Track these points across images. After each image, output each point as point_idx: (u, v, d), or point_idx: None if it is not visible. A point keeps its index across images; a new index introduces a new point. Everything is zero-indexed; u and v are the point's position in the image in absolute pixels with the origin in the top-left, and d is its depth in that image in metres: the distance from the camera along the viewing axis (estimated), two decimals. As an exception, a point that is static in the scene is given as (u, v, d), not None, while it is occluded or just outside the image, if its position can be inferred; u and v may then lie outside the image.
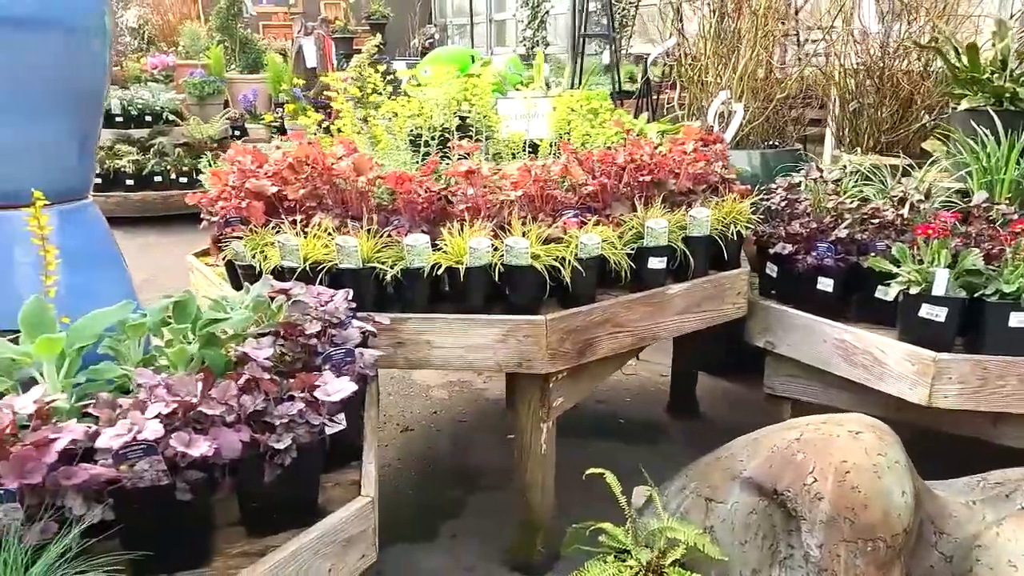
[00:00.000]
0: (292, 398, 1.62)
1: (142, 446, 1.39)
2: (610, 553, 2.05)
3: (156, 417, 1.41)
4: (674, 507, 2.17)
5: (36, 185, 1.95)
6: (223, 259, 2.55)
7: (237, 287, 2.55)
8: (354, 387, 1.59)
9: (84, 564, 1.25)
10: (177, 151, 8.02)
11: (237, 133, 8.77)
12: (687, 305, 2.55)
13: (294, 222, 2.44)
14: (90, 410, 1.44)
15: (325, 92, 8.37)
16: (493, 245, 2.25)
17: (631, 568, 1.96)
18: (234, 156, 2.79)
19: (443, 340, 2.29)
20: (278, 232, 2.41)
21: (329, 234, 2.31)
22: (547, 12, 13.17)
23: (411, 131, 2.78)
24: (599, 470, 2.14)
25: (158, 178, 7.79)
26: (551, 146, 2.85)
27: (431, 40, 16.32)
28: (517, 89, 3.43)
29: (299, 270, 2.29)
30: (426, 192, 2.40)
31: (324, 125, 2.76)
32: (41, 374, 1.62)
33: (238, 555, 1.57)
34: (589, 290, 2.36)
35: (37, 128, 1.94)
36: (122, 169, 7.65)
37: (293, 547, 1.55)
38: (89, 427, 1.39)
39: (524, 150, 2.84)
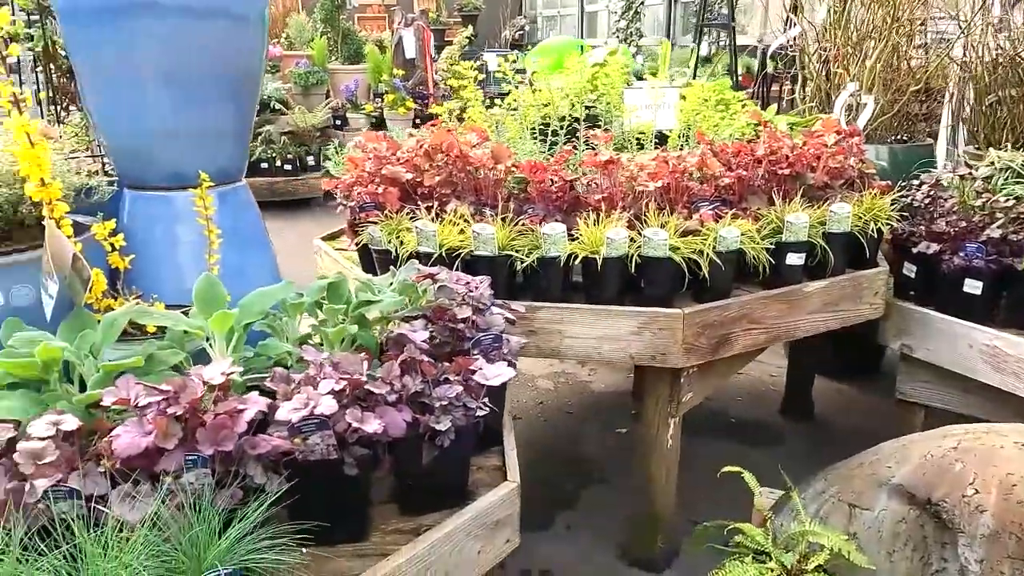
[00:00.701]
0: (447, 381, 1.64)
1: (316, 420, 1.44)
2: (747, 554, 2.00)
3: (329, 393, 1.45)
4: (812, 511, 2.10)
5: (199, 168, 2.04)
6: (357, 244, 2.61)
7: (369, 271, 2.61)
8: (513, 372, 1.60)
9: (268, 532, 1.30)
10: (283, 139, 8.30)
11: (338, 122, 9.01)
12: (824, 304, 2.47)
13: (428, 208, 2.48)
14: (268, 384, 1.50)
15: (446, 81, 8.51)
16: (630, 236, 2.22)
17: (772, 571, 1.91)
18: (366, 143, 2.85)
19: (576, 330, 2.28)
20: (412, 218, 2.45)
21: (465, 221, 2.33)
22: (642, 2, 12.99)
23: (535, 121, 2.78)
24: (735, 468, 2.10)
25: (264, 165, 8.07)
26: (680, 137, 2.80)
27: (521, 32, 16.35)
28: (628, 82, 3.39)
29: (435, 256, 2.33)
30: (560, 181, 2.40)
31: (456, 115, 2.78)
32: (212, 347, 1.69)
33: (392, 532, 1.60)
34: (725, 285, 2.31)
35: (203, 112, 2.03)
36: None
37: (449, 527, 1.58)
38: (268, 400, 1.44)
39: (651, 141, 2.80)
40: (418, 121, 7.97)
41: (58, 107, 2.23)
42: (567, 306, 2.26)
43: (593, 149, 2.72)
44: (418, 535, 1.58)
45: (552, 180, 2.39)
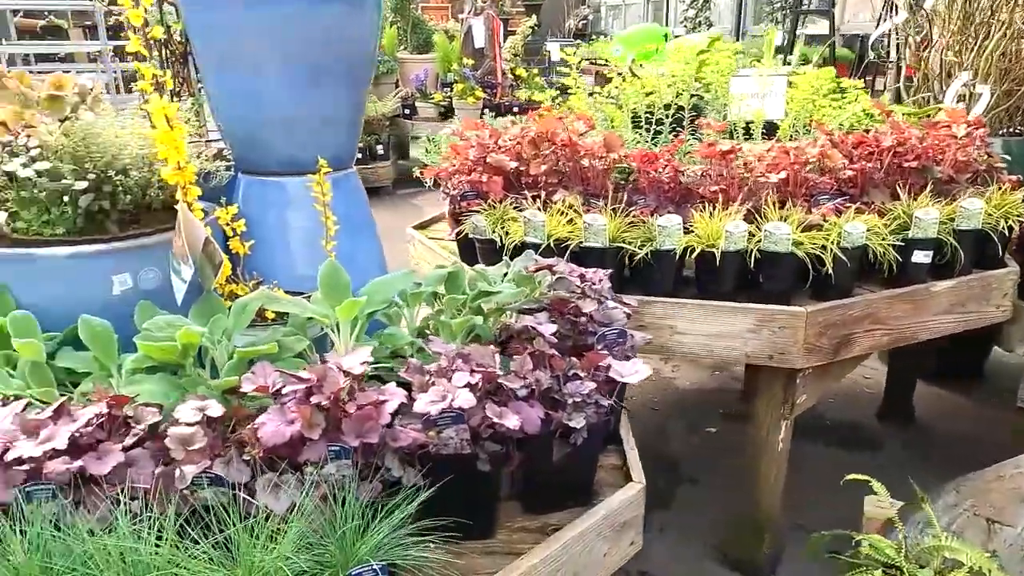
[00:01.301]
0: (577, 377, 1.59)
1: (452, 414, 1.40)
2: (875, 567, 1.90)
3: (466, 386, 1.41)
4: (943, 524, 1.99)
5: (314, 154, 2.02)
6: (457, 233, 2.58)
7: (469, 261, 2.58)
8: (648, 371, 1.54)
9: (410, 527, 1.27)
10: (353, 128, 8.34)
11: (407, 111, 9.03)
12: (950, 305, 2.33)
13: (533, 198, 2.42)
14: (402, 375, 1.46)
15: (513, 70, 8.45)
16: (748, 230, 2.13)
17: (905, 586, 1.81)
18: (463, 131, 2.81)
19: (688, 327, 2.20)
20: (517, 207, 2.40)
21: (575, 211, 2.27)
22: (712, -9, 12.71)
23: (640, 109, 2.70)
24: (862, 477, 2.00)
25: None
26: (791, 127, 2.69)
27: (585, 21, 16.16)
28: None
29: (543, 247, 2.27)
30: (672, 171, 2.32)
31: (556, 100, 2.72)
32: (336, 335, 1.67)
33: (518, 530, 1.56)
34: (848, 282, 2.20)
35: (320, 98, 2.01)
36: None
37: (581, 527, 1.53)
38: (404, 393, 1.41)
39: (760, 130, 2.69)
40: (486, 110, 7.92)
41: (171, 92, 2.24)
42: (681, 301, 2.18)
43: (698, 139, 2.62)
44: (545, 534, 1.53)
45: (662, 171, 2.31)
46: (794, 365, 2.15)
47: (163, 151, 1.54)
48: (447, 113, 8.76)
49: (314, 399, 1.30)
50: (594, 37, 14.28)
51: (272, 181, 2.09)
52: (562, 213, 2.30)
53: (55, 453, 1.19)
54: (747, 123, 2.75)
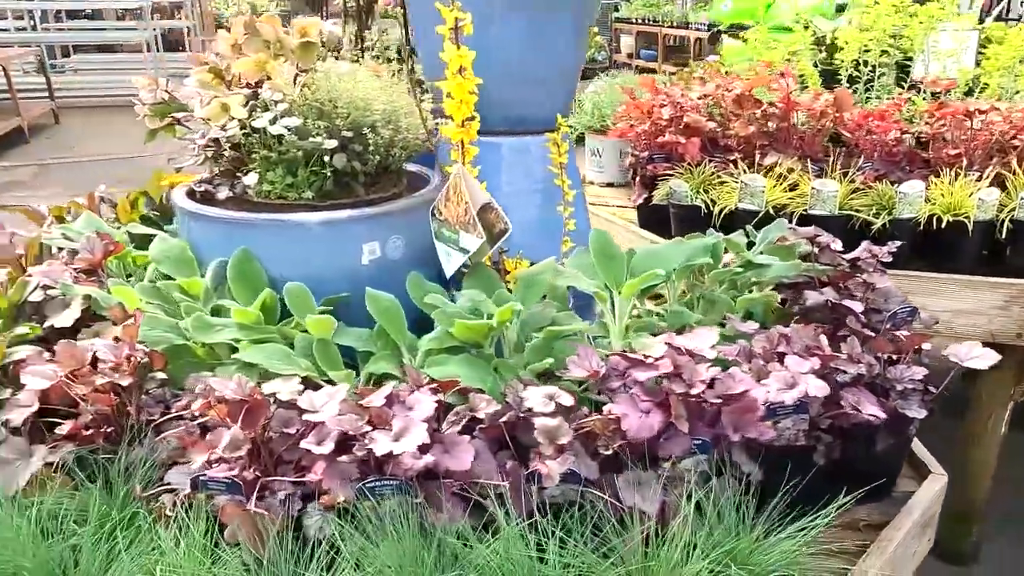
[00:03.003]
0: (892, 361, 1.44)
1: (795, 403, 1.26)
2: None
3: (809, 372, 1.27)
4: None
5: (535, 112, 1.86)
6: (645, 199, 2.42)
7: (657, 231, 2.42)
8: (997, 355, 1.38)
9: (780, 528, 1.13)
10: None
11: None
12: None
13: (731, 162, 2.25)
14: (734, 357, 1.32)
15: None
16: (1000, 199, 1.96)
17: None
18: (633, 90, 2.63)
19: (924, 301, 2.04)
20: (720, 171, 2.23)
21: (799, 175, 2.10)
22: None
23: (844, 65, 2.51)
24: None
25: None
26: (999, 87, 2.49)
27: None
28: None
29: (760, 214, 2.11)
30: (898, 133, 2.14)
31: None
32: (612, 310, 1.52)
33: (836, 526, 1.43)
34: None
35: (548, 51, 1.84)
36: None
37: (904, 527, 1.39)
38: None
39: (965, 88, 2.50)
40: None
41: (362, 49, 2.07)
42: (922, 275, 2.02)
43: (906, 98, 2.43)
44: (856, 529, 1.41)
45: (885, 132, 2.12)
46: (1047, 345, 1.99)
47: (451, 105, 1.38)
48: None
49: (676, 388, 1.15)
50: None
51: (489, 142, 1.92)
52: (779, 178, 2.13)
53: (422, 448, 1.06)
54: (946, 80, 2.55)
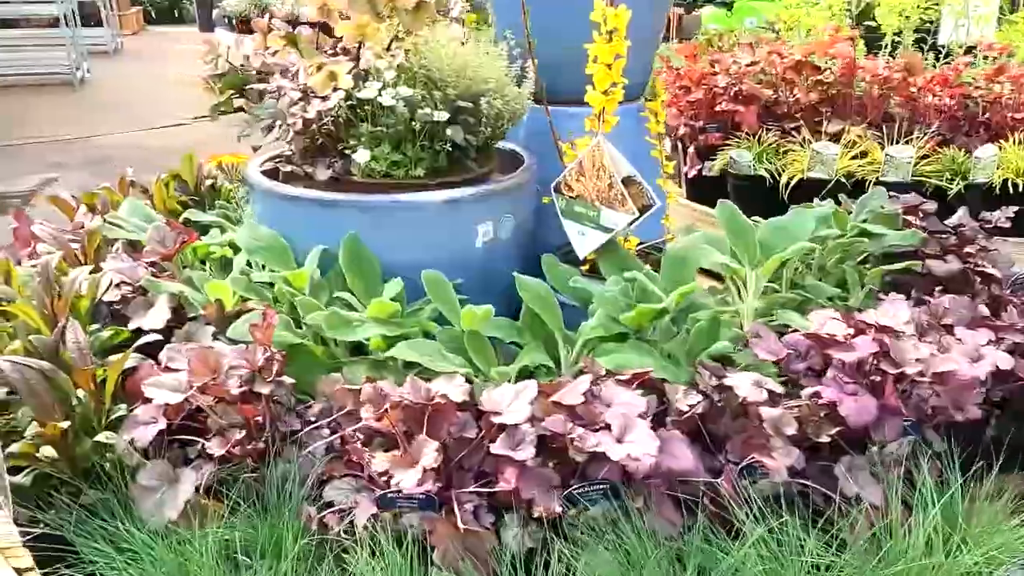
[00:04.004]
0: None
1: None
2: None
3: (988, 344, 1.22)
4: None
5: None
6: (694, 169, 2.34)
7: (710, 202, 2.35)
8: None
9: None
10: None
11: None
12: None
13: (794, 130, 2.20)
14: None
15: None
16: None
17: None
18: (679, 54, 2.55)
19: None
20: (782, 140, 2.18)
21: (872, 143, 2.06)
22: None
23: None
24: None
25: None
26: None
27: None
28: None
29: (831, 183, 2.07)
30: (960, 98, 2.13)
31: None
32: (744, 289, 1.44)
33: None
34: None
35: (639, 23, 1.74)
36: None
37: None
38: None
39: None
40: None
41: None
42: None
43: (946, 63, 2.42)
44: None
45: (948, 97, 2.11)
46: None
47: (598, 71, 1.26)
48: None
49: (887, 368, 1.09)
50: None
51: (573, 112, 1.80)
52: (849, 145, 2.09)
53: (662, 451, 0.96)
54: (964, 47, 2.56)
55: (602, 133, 1.34)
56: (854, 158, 2.09)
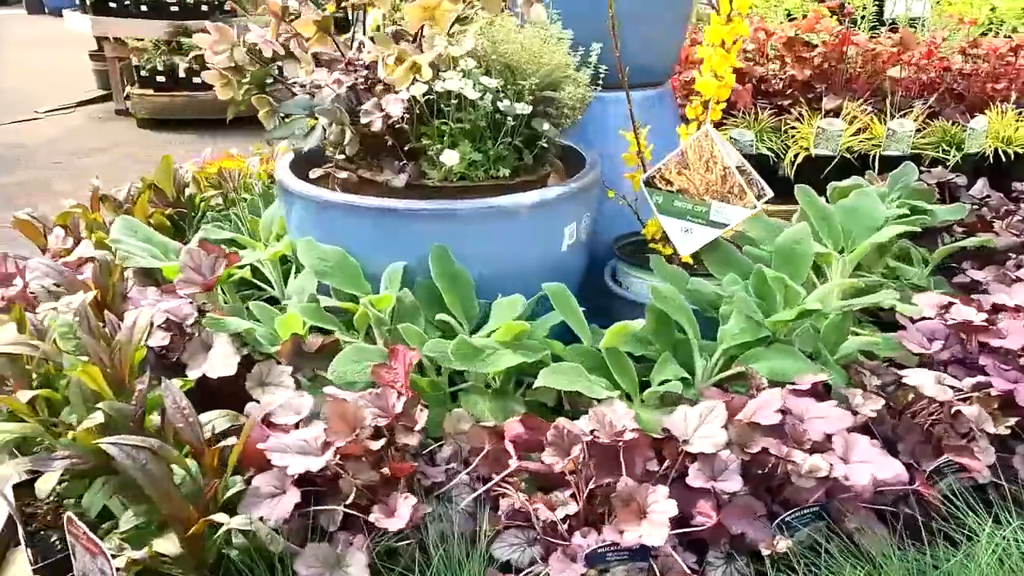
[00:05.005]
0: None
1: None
2: None
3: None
4: None
5: (656, 64, 1.69)
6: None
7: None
8: None
9: None
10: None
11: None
12: None
13: (789, 107, 2.20)
14: None
15: None
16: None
17: None
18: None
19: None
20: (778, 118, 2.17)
21: (860, 115, 2.09)
22: None
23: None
24: None
25: (161, 79, 6.98)
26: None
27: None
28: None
29: (835, 159, 2.08)
30: (939, 71, 2.19)
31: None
32: (830, 270, 1.40)
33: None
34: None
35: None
36: (191, 67, 6.89)
37: None
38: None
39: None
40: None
41: None
42: None
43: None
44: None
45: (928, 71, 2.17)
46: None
47: (712, 56, 1.16)
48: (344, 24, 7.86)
49: (1050, 351, 1.07)
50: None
51: (611, 97, 1.69)
52: (857, 120, 2.11)
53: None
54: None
55: (709, 122, 1.24)
56: (854, 134, 2.11)
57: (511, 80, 1.24)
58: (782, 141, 2.15)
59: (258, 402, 1.07)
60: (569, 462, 0.91)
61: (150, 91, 5.70)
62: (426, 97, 1.19)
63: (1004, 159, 2.08)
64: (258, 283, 1.44)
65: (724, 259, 1.28)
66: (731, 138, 2.18)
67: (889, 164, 2.07)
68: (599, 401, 1.01)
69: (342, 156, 1.28)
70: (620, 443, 0.92)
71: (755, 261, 1.28)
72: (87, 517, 0.93)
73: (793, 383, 1.04)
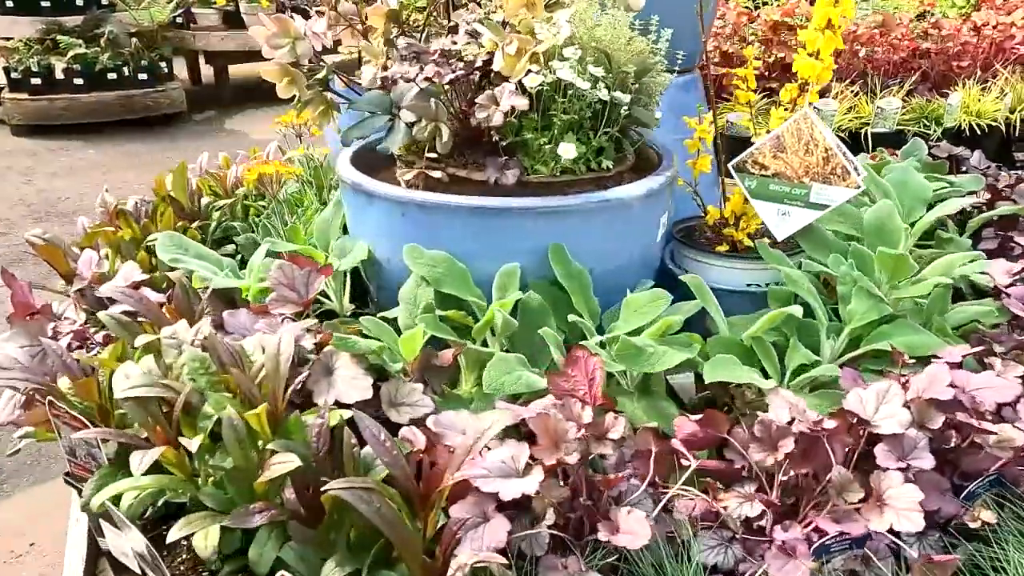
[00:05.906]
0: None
1: None
2: None
3: None
4: None
5: (689, 48, 1.69)
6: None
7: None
8: None
9: None
10: (133, 42, 6.75)
11: (180, 20, 7.52)
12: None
13: (779, 89, 2.27)
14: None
15: None
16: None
17: None
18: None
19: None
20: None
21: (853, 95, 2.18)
22: None
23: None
24: None
25: (113, 75, 6.54)
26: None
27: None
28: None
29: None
30: (909, 48, 2.32)
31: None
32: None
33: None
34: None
35: None
36: (70, 67, 6.34)
37: None
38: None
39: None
40: (290, 12, 6.86)
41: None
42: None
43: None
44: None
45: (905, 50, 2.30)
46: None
47: (817, 37, 1.17)
48: (232, 19, 7.46)
49: None
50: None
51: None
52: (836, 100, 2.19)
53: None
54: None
55: (808, 104, 1.25)
56: (844, 113, 2.20)
57: (608, 67, 1.20)
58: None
59: (395, 424, 0.98)
60: (782, 455, 0.89)
61: (24, 95, 5.29)
62: (536, 89, 1.13)
63: (976, 131, 2.23)
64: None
65: (821, 241, 1.29)
66: (727, 121, 2.22)
67: (877, 141, 2.19)
68: (756, 390, 1.00)
69: (432, 155, 1.20)
70: (822, 432, 0.90)
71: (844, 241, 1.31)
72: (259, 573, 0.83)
73: (933, 356, 1.06)
